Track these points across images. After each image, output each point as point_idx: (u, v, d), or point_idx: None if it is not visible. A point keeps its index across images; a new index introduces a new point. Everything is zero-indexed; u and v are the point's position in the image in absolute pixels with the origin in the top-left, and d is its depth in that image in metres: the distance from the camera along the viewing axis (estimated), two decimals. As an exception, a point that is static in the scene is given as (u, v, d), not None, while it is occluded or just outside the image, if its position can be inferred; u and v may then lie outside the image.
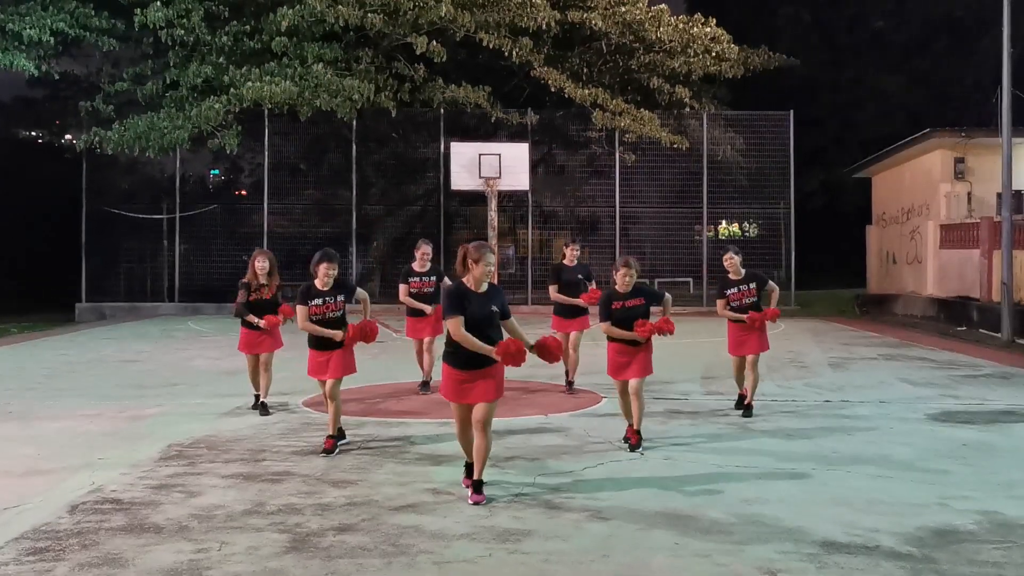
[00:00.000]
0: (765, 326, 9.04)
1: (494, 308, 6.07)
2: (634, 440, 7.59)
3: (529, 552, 5.10)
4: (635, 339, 7.47)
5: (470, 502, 5.96)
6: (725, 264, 9.06)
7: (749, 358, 9.03)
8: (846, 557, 5.03)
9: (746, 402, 9.15)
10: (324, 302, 7.62)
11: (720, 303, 9.10)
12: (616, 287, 7.57)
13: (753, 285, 8.97)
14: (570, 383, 10.55)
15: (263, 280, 9.23)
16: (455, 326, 5.95)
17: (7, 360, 14.28)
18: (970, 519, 5.72)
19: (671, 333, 7.54)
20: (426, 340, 10.48)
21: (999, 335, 16.85)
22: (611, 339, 7.61)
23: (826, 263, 34.41)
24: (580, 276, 10.30)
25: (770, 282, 9.20)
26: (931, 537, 5.37)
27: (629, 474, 6.86)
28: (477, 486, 6.08)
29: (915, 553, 5.09)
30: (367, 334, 7.63)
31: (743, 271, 9.05)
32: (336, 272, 7.69)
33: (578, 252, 10.60)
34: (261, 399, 9.47)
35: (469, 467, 6.25)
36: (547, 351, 6.12)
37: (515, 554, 5.08)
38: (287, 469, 7.01)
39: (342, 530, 5.48)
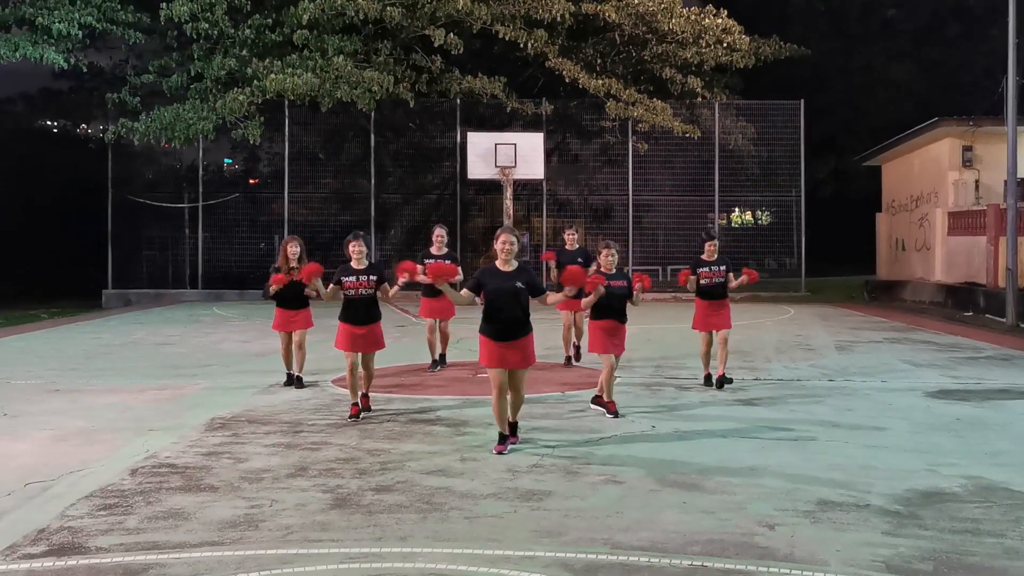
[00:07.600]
0: (729, 305, 10.08)
1: (519, 284, 6.92)
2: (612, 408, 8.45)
3: (550, 509, 5.63)
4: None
5: (494, 452, 6.95)
6: (707, 248, 10.00)
7: (721, 334, 9.92)
8: (839, 513, 5.54)
9: (719, 374, 9.91)
10: (357, 279, 8.34)
11: (690, 276, 10.04)
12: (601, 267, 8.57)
13: (723, 267, 9.95)
14: (576, 347, 11.51)
15: (294, 264, 9.80)
16: (465, 293, 7.17)
17: (45, 343, 14.90)
18: (956, 483, 6.21)
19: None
20: (440, 321, 11.07)
21: (1004, 320, 17.26)
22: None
23: (836, 250, 34.76)
24: (580, 260, 10.78)
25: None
26: (918, 498, 5.87)
27: (641, 443, 7.38)
28: (513, 427, 7.22)
29: (902, 511, 5.60)
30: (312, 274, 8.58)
31: (716, 255, 10.02)
32: (364, 250, 8.47)
33: (576, 235, 11.58)
34: (296, 374, 10.21)
35: (502, 436, 7.11)
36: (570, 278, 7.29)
37: (537, 511, 5.61)
38: (324, 440, 7.56)
39: (380, 490, 6.03)
